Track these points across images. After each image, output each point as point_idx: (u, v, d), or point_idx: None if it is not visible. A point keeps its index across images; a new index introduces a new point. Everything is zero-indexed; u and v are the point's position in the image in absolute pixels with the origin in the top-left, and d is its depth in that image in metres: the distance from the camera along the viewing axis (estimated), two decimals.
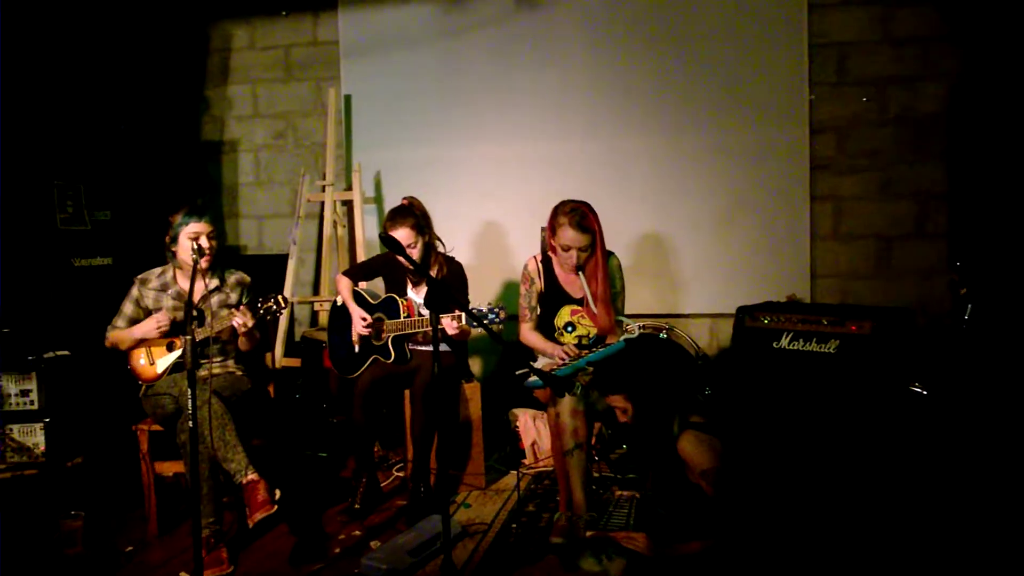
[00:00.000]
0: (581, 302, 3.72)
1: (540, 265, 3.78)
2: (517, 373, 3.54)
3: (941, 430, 3.59)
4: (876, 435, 3.60)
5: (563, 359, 3.45)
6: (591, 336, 3.72)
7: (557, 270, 3.76)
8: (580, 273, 3.66)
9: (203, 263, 3.47)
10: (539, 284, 3.76)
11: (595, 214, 3.58)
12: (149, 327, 3.56)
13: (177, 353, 3.56)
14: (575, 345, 3.70)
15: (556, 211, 3.62)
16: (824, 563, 2.94)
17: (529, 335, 3.76)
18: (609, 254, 3.71)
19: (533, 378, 3.31)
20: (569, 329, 3.73)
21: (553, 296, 3.76)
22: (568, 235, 3.53)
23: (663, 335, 4.71)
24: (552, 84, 5.19)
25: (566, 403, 3.32)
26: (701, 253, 5.04)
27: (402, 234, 3.81)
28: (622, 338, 3.52)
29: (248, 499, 3.15)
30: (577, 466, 3.31)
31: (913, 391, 3.72)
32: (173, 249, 3.57)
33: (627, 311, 3.99)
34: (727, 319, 4.54)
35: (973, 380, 3.76)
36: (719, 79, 4.96)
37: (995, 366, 3.77)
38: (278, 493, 3.18)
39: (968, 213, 4.63)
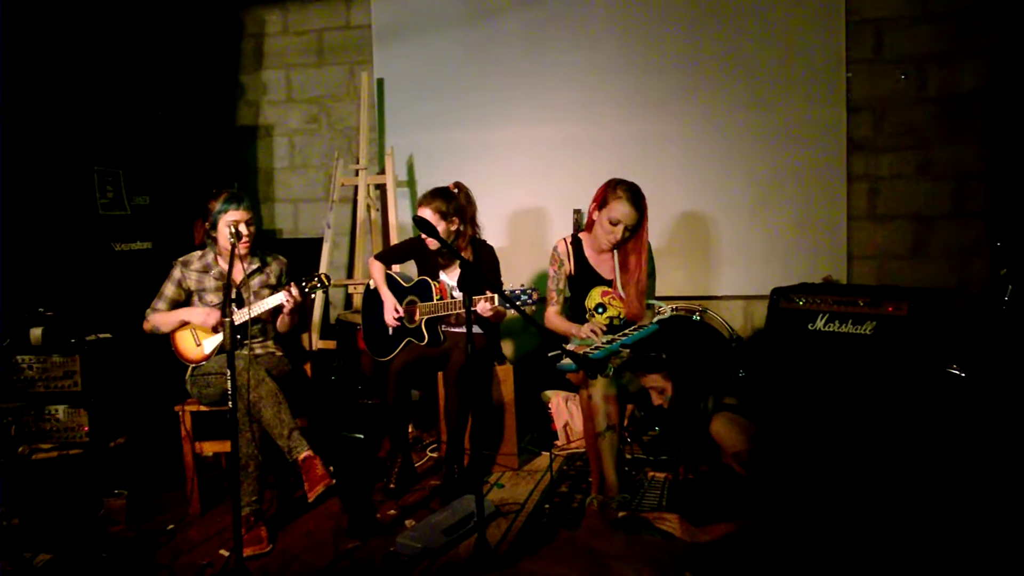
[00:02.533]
0: (612, 283, 3.72)
1: (570, 247, 3.78)
2: (550, 355, 3.56)
3: (980, 413, 3.54)
4: (913, 418, 3.57)
5: (589, 336, 3.45)
6: (622, 317, 3.72)
7: (587, 251, 3.76)
8: (615, 254, 3.66)
9: (241, 248, 3.56)
10: (568, 266, 3.77)
11: (645, 197, 3.61)
12: (198, 316, 3.63)
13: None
14: (607, 326, 3.71)
15: (611, 184, 3.63)
16: (857, 545, 2.93)
17: (554, 319, 3.77)
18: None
19: (565, 361, 3.32)
20: (600, 310, 3.73)
21: (583, 277, 3.76)
22: (621, 208, 3.54)
23: (697, 317, 4.69)
24: (583, 66, 5.17)
25: (598, 385, 3.34)
26: (735, 234, 5.00)
27: (427, 214, 3.88)
28: (655, 319, 3.52)
29: (306, 475, 3.22)
30: (609, 447, 3.32)
31: (951, 373, 3.68)
32: (213, 235, 3.63)
33: (661, 293, 3.98)
34: (761, 301, 4.52)
35: (1013, 362, 3.71)
36: (754, 58, 4.90)
37: None
38: (331, 468, 3.25)
39: (1008, 192, 4.54)
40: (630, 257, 3.67)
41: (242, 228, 3.56)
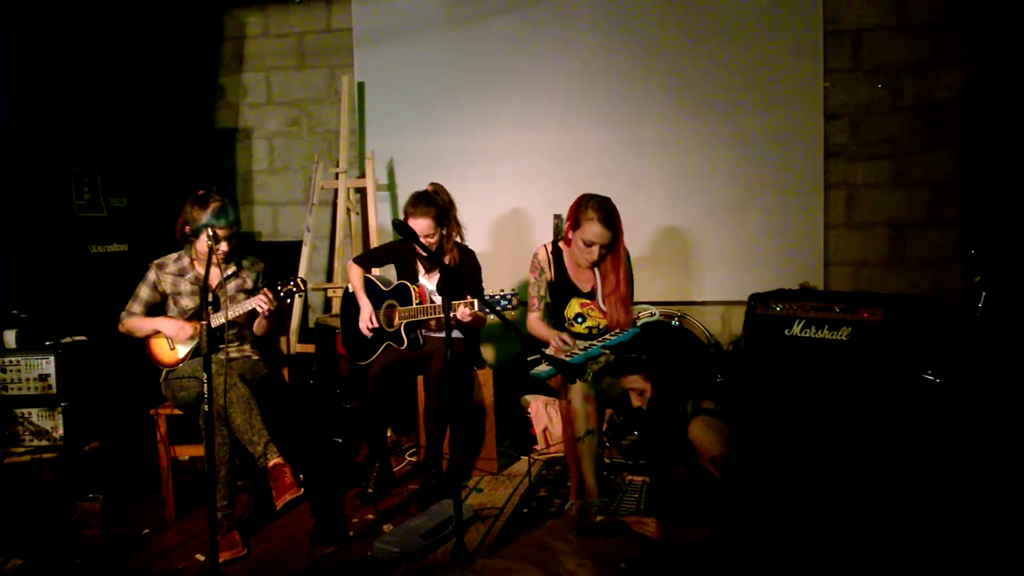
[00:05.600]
0: (590, 295, 3.70)
1: (550, 255, 3.77)
2: (529, 359, 3.56)
3: (954, 418, 3.58)
4: (888, 423, 3.60)
5: (558, 347, 3.45)
6: (601, 327, 3.72)
7: (567, 261, 3.74)
8: (596, 270, 3.65)
9: (216, 256, 3.54)
10: (549, 274, 3.76)
11: (617, 211, 3.57)
12: (171, 328, 3.61)
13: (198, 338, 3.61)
14: (586, 335, 3.71)
15: (581, 204, 3.57)
16: (832, 550, 2.95)
17: (536, 325, 3.75)
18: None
19: (541, 368, 3.32)
20: (579, 320, 3.72)
21: (562, 288, 3.75)
22: (593, 230, 3.49)
23: (675, 322, 4.72)
24: (565, 72, 5.19)
25: (578, 389, 3.34)
26: (714, 241, 5.03)
27: (422, 224, 3.81)
28: (640, 323, 3.52)
29: (274, 482, 3.19)
30: (589, 452, 3.33)
31: (926, 379, 3.72)
32: (192, 240, 3.60)
33: (641, 299, 3.98)
34: (740, 307, 4.54)
35: (987, 368, 3.75)
36: (733, 66, 4.94)
37: (1009, 354, 3.76)
38: (301, 477, 3.23)
39: (983, 201, 4.60)
40: (610, 274, 3.65)
41: (223, 246, 3.54)
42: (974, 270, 4.10)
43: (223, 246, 3.55)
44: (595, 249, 3.54)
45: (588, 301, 3.72)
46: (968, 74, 4.70)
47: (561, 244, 3.78)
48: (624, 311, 3.64)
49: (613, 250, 3.61)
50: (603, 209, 3.51)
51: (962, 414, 3.58)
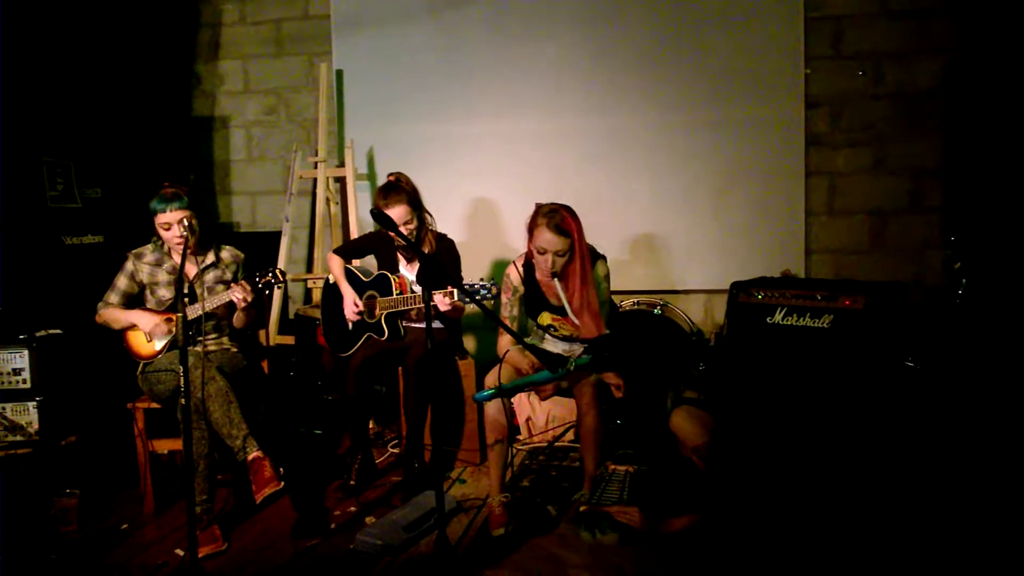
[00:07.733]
0: (561, 312, 3.56)
1: (521, 270, 3.65)
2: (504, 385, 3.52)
3: (934, 404, 3.60)
4: (869, 410, 3.61)
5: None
6: (573, 335, 3.64)
7: (538, 275, 3.61)
8: (556, 280, 3.49)
9: (171, 244, 3.54)
10: (522, 290, 3.65)
11: (575, 218, 3.42)
12: (148, 323, 3.56)
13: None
14: (562, 339, 3.66)
15: (535, 212, 3.47)
16: (813, 538, 2.96)
17: (506, 349, 3.62)
18: (598, 258, 3.58)
19: (485, 391, 3.26)
20: (552, 331, 3.63)
21: (534, 301, 3.65)
22: (544, 237, 3.38)
23: (657, 311, 4.71)
24: (547, 59, 5.14)
25: (592, 379, 3.34)
26: (696, 229, 5.02)
27: (398, 212, 3.77)
28: (571, 365, 3.29)
29: (254, 476, 3.15)
30: (498, 458, 3.42)
31: (907, 366, 3.73)
32: (157, 232, 3.56)
33: (623, 288, 3.89)
34: (721, 295, 4.54)
35: (967, 354, 3.77)
36: (714, 53, 4.91)
37: (989, 340, 3.78)
38: (281, 470, 3.20)
39: (963, 188, 4.61)
40: (571, 283, 3.50)
41: (173, 231, 3.48)
42: (954, 257, 4.12)
43: (173, 231, 3.49)
44: (549, 257, 3.41)
45: (559, 317, 3.61)
46: (948, 62, 4.70)
47: (533, 258, 3.66)
48: (593, 322, 3.48)
49: (572, 258, 3.47)
50: (554, 215, 3.39)
51: (942, 400, 3.59)
